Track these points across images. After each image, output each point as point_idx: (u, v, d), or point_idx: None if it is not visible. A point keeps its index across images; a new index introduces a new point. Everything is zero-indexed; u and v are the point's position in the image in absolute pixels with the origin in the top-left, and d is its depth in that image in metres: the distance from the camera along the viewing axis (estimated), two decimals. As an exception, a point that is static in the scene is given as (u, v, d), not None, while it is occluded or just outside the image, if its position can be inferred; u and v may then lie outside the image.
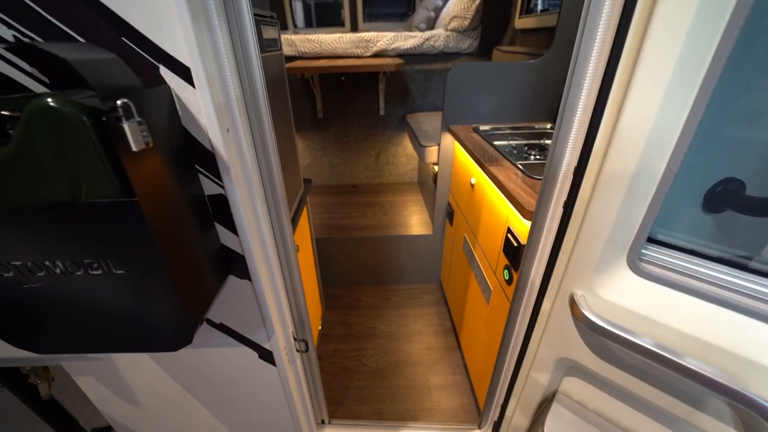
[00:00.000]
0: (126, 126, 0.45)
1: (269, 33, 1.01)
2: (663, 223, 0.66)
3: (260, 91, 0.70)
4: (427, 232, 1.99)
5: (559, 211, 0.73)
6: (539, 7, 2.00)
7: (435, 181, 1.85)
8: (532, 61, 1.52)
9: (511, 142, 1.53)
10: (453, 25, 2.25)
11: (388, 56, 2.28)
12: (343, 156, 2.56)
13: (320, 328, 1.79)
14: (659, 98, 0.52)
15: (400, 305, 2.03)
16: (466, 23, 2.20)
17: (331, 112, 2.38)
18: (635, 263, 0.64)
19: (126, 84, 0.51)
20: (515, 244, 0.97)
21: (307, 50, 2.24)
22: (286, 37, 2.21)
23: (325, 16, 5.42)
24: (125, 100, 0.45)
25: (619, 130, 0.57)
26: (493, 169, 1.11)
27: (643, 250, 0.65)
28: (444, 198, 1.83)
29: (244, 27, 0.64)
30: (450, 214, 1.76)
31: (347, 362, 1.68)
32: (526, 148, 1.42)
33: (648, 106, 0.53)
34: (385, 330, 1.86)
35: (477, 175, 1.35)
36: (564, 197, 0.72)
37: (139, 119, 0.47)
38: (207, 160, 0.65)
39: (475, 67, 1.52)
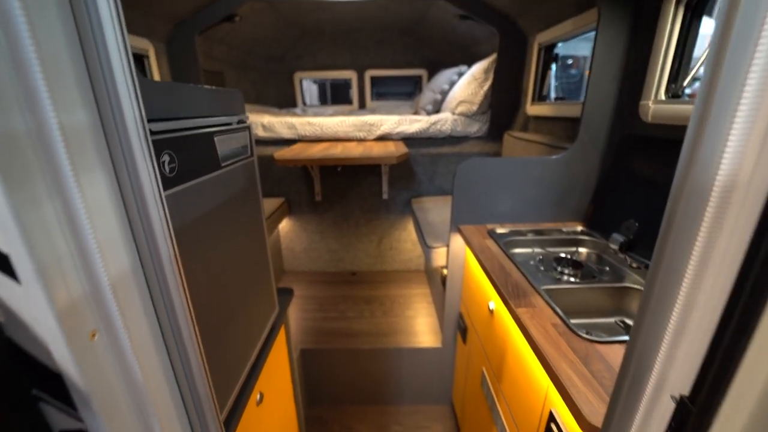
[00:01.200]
0: None
1: (234, 142, 0.82)
2: None
3: (167, 259, 0.46)
4: (435, 344, 1.65)
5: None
6: (552, 95, 1.87)
7: (444, 283, 1.57)
8: (554, 157, 1.32)
9: (535, 251, 1.26)
10: (460, 109, 2.14)
11: (392, 139, 2.15)
12: (343, 241, 2.32)
13: None
14: None
15: (402, 438, 1.62)
16: (474, 108, 2.08)
17: (331, 195, 2.20)
18: None
19: None
20: (565, 448, 0.64)
21: (307, 133, 2.14)
22: (286, 120, 2.12)
23: (336, 95, 5.65)
24: None
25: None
26: (523, 314, 0.82)
27: None
28: (454, 308, 1.52)
29: (136, 168, 0.41)
30: (462, 330, 1.44)
31: None
32: (555, 264, 1.14)
33: None
34: (381, 481, 1.44)
35: (496, 301, 1.06)
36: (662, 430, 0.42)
37: None
38: (53, 383, 0.39)
39: (487, 164, 1.32)
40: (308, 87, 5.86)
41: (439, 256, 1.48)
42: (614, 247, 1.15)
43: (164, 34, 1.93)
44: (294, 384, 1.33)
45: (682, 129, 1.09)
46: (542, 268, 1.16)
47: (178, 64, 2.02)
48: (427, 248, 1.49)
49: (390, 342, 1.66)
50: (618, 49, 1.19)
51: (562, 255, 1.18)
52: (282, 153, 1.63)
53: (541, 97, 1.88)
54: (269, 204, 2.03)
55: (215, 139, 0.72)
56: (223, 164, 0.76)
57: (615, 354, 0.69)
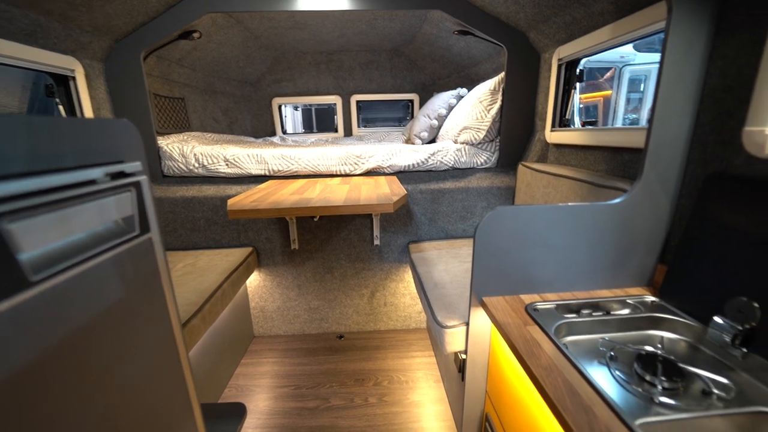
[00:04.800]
0: None
1: (87, 219, 0.43)
2: None
3: None
4: (450, 449, 1.22)
5: None
6: (576, 121, 1.56)
7: (461, 371, 1.16)
8: (612, 202, 0.96)
9: (602, 338, 0.88)
10: (464, 137, 1.81)
11: (384, 173, 1.80)
12: (326, 297, 1.90)
13: None
14: None
15: None
16: (481, 135, 1.76)
17: (310, 242, 1.81)
18: None
19: None
20: None
21: (281, 168, 1.76)
22: (255, 153, 1.75)
23: (322, 121, 5.35)
24: None
25: None
26: None
27: None
28: (477, 407, 1.11)
29: None
30: (493, 443, 1.02)
31: None
32: (640, 368, 0.75)
33: None
34: None
35: (565, 443, 0.67)
36: None
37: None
38: None
39: (520, 214, 0.95)
40: (291, 114, 5.57)
41: (454, 339, 1.08)
42: (720, 335, 0.78)
43: (100, 52, 1.56)
44: None
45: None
46: (618, 371, 0.77)
47: (119, 87, 1.64)
48: (438, 327, 1.09)
49: (390, 450, 1.22)
50: (696, 56, 0.87)
51: (647, 350, 0.80)
52: (237, 201, 1.24)
53: (562, 122, 1.56)
54: (231, 257, 1.62)
55: (7, 228, 0.33)
56: (37, 278, 0.36)
57: None
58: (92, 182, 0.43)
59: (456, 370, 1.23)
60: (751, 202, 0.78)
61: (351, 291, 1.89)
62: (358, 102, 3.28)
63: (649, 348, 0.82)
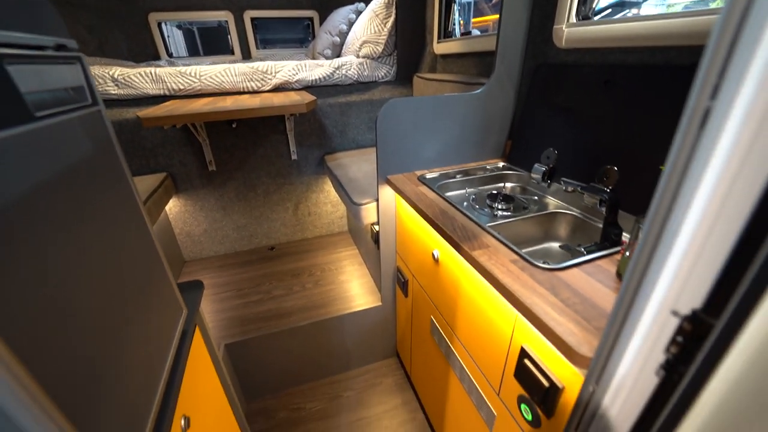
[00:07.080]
0: None
1: (53, 79, 0.52)
2: None
3: None
4: (374, 303, 1.58)
5: (652, 379, 0.41)
6: (457, 32, 1.81)
7: (376, 241, 1.47)
8: (477, 92, 1.26)
9: (468, 191, 1.23)
10: (365, 51, 1.94)
11: (293, 89, 1.87)
12: (252, 214, 2.02)
13: None
14: None
15: (357, 403, 1.57)
16: (380, 49, 1.91)
17: (227, 162, 1.85)
18: None
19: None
20: (545, 382, 0.62)
21: (182, 87, 1.70)
22: (148, 71, 1.64)
23: (208, 44, 4.76)
24: None
25: None
26: (480, 256, 0.77)
27: None
28: (391, 264, 1.46)
29: None
30: (403, 284, 1.39)
31: None
32: (489, 201, 1.12)
33: None
34: (341, 452, 1.38)
35: (442, 249, 1.01)
36: (660, 352, 0.40)
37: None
38: None
39: (409, 105, 1.20)
40: (175, 35, 4.81)
41: (368, 213, 1.35)
42: (536, 176, 1.18)
43: None
44: (226, 390, 1.12)
45: (594, 52, 1.12)
46: (477, 206, 1.14)
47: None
48: (354, 206, 1.35)
49: (328, 313, 1.53)
50: (527, -31, 1.14)
51: (494, 192, 1.18)
52: (149, 112, 1.24)
53: (446, 34, 1.79)
54: (144, 183, 1.61)
55: (9, 68, 0.43)
56: (38, 114, 0.47)
57: (576, 279, 0.68)
58: (41, 48, 0.52)
59: (372, 242, 1.54)
60: (556, 81, 1.13)
61: (275, 206, 2.04)
62: (253, 20, 3.05)
63: (495, 191, 1.20)
